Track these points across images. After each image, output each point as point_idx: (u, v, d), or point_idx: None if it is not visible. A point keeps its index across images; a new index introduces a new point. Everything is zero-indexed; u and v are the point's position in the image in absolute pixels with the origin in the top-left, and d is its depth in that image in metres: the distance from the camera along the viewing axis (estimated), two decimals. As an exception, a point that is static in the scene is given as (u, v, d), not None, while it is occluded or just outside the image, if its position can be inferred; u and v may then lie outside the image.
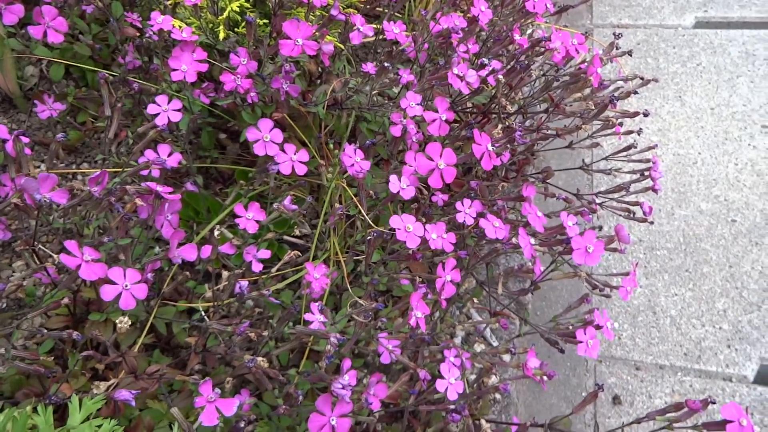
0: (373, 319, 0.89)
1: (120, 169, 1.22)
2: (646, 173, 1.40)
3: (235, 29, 1.20)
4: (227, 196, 1.44)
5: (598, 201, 1.38)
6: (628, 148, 1.40)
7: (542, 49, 1.19)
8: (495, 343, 1.32)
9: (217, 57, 1.28)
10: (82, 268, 0.81)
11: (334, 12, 0.98)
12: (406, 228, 0.90)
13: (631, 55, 1.40)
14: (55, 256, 0.92)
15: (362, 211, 0.99)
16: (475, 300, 1.09)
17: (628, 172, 1.44)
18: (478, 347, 1.28)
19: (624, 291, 1.23)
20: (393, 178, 0.97)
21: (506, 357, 1.36)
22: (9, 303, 1.25)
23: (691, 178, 1.88)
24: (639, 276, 1.66)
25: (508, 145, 1.03)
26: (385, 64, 1.01)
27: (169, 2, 1.24)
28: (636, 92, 1.25)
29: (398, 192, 0.97)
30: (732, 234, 1.73)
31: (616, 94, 1.45)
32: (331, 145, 1.36)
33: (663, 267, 1.68)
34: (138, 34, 1.24)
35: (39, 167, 1.54)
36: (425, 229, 0.93)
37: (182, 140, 1.22)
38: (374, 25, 1.51)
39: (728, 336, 1.53)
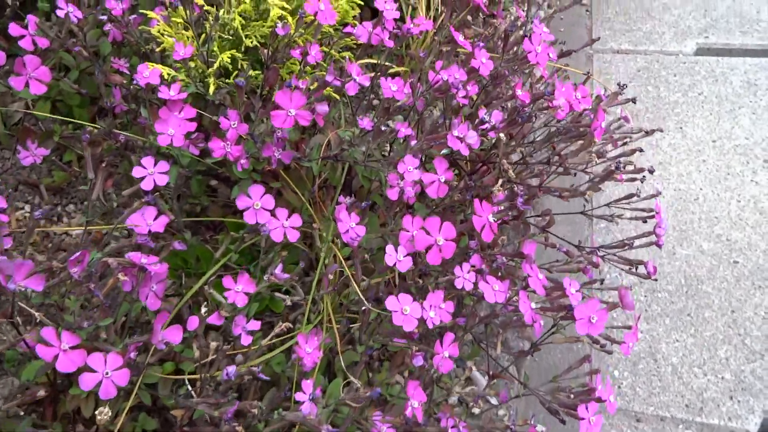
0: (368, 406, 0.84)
1: (106, 226, 1.17)
2: (648, 220, 1.37)
3: (227, 80, 1.16)
4: (217, 243, 1.40)
5: (600, 253, 1.34)
6: (630, 196, 1.36)
7: (545, 104, 1.15)
8: (494, 401, 1.28)
9: (208, 103, 1.24)
10: (60, 359, 0.76)
11: (329, 78, 0.94)
12: (403, 311, 0.86)
13: (635, 103, 1.36)
14: (37, 315, 0.88)
15: (356, 287, 0.95)
16: (473, 368, 1.05)
17: (631, 218, 1.40)
18: (476, 408, 1.24)
19: (626, 347, 1.19)
20: (389, 249, 0.93)
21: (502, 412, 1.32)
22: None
23: (692, 216, 1.84)
24: (640, 320, 1.63)
25: (509, 212, 0.99)
26: (382, 128, 0.97)
27: (158, 48, 1.19)
28: (641, 150, 1.21)
29: (394, 264, 0.93)
30: (734, 276, 1.70)
31: (620, 140, 1.42)
32: (326, 195, 1.32)
33: (664, 311, 1.64)
34: (124, 81, 1.20)
35: (23, 208, 1.49)
36: (423, 308, 0.88)
37: (170, 193, 1.18)
38: (372, 59, 1.46)
39: (731, 386, 1.49)
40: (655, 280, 1.25)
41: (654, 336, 1.60)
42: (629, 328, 1.20)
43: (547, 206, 1.44)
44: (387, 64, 1.57)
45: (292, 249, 1.30)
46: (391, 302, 0.86)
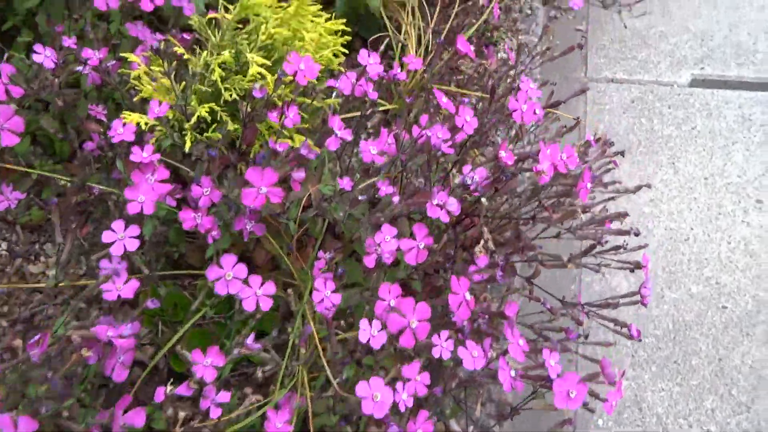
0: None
1: (78, 282, 1.15)
2: (636, 271, 1.34)
3: (206, 132, 1.13)
4: (195, 289, 1.37)
5: (584, 309, 1.32)
6: (618, 248, 1.33)
7: (530, 163, 1.12)
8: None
9: (186, 154, 1.21)
10: (15, 450, 0.74)
11: (303, 151, 0.91)
12: (374, 397, 0.84)
13: (623, 156, 1.33)
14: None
15: (327, 368, 0.92)
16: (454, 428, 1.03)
17: (618, 268, 1.38)
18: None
19: (609, 406, 1.17)
20: (363, 323, 0.90)
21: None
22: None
23: (682, 257, 1.82)
24: (626, 366, 1.60)
25: (488, 285, 0.97)
26: (360, 197, 0.94)
27: (136, 98, 1.16)
28: (627, 214, 1.19)
29: (368, 340, 0.90)
30: (722, 322, 1.68)
31: (608, 185, 1.40)
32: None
33: (650, 357, 1.62)
34: (101, 129, 1.17)
35: (0, 246, 1.46)
36: (395, 390, 0.86)
37: (146, 246, 1.15)
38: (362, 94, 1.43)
39: (715, 440, 1.48)
40: (639, 340, 1.23)
41: (640, 384, 1.58)
42: (614, 384, 1.18)
43: (532, 256, 1.41)
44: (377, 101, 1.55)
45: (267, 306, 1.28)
46: (361, 389, 0.83)
